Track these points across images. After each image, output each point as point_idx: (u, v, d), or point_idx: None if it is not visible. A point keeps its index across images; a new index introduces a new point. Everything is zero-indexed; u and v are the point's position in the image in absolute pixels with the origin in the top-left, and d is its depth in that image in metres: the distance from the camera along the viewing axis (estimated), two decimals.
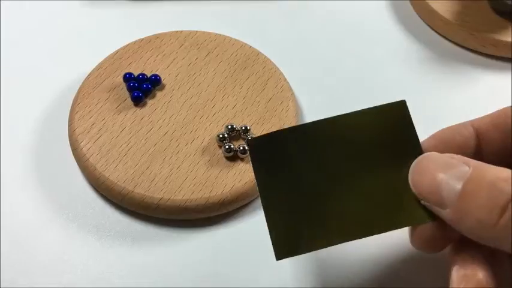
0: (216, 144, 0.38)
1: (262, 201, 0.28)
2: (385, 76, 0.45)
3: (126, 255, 0.35)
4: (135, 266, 0.35)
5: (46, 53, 0.46)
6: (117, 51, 0.43)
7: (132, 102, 0.40)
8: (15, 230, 0.36)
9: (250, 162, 0.29)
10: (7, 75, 0.44)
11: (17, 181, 0.39)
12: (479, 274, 0.25)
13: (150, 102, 0.41)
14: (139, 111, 0.40)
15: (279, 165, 0.28)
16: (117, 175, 0.36)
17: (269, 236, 0.27)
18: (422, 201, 0.27)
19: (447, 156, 0.26)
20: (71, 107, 0.40)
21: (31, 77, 0.45)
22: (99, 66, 0.42)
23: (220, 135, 0.38)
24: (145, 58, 0.43)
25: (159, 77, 0.41)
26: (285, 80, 0.42)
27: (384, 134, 0.29)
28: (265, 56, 0.44)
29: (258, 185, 0.28)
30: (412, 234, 0.28)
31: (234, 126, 0.38)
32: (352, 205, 0.27)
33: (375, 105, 0.29)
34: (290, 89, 0.42)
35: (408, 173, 0.27)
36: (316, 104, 0.43)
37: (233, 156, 0.37)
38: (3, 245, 0.35)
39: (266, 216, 0.27)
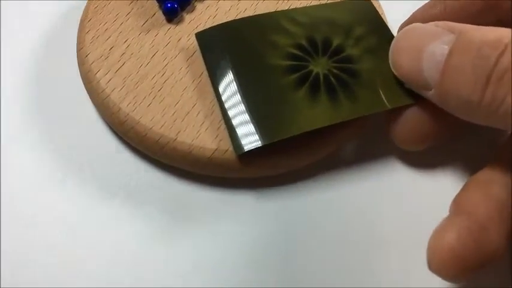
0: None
1: (216, 95, 0.26)
2: None
3: (169, 232, 0.25)
4: (182, 251, 0.25)
5: None
6: None
7: (164, 17, 0.29)
8: (12, 194, 0.26)
9: (201, 56, 0.27)
10: None
11: (13, 130, 0.28)
12: None
13: (188, 17, 0.29)
14: (174, 30, 0.29)
15: (235, 55, 0.26)
16: (151, 117, 0.26)
17: (227, 130, 0.25)
18: (406, 85, 0.25)
19: (430, 24, 0.23)
20: (80, 25, 0.29)
21: None
22: None
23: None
24: None
25: None
26: None
27: (355, 25, 0.28)
28: None
29: (212, 80, 0.26)
30: (397, 124, 0.25)
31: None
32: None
33: None
34: None
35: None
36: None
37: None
38: None
39: (224, 109, 0.25)
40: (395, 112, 0.25)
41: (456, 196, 0.23)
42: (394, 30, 0.28)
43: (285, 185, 0.27)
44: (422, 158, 0.27)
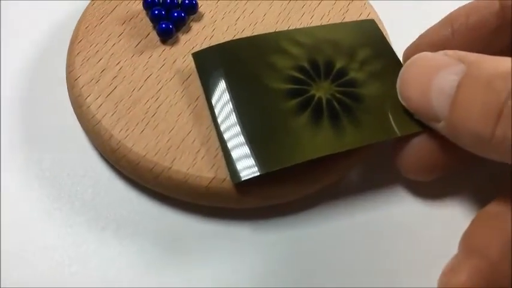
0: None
1: (213, 119, 0.24)
2: None
3: (163, 265, 0.24)
4: (176, 285, 0.23)
5: None
6: None
7: (159, 38, 0.28)
8: None
9: (198, 77, 0.26)
10: None
11: None
12: None
13: (183, 38, 0.28)
14: (169, 51, 0.28)
15: (233, 78, 0.25)
16: (144, 145, 0.24)
17: (224, 157, 0.23)
18: (415, 116, 0.23)
19: (439, 54, 0.22)
20: (70, 46, 0.28)
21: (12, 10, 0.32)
22: None
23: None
24: None
25: (195, 1, 0.28)
26: (370, 5, 0.30)
27: (358, 48, 0.27)
28: None
29: (208, 103, 0.25)
30: (405, 153, 0.24)
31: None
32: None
33: None
34: (378, 17, 0.29)
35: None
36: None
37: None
38: None
39: (221, 135, 0.24)
40: (402, 140, 0.24)
41: (465, 232, 0.22)
42: (397, 51, 0.27)
43: (284, 216, 0.25)
44: (430, 188, 0.26)
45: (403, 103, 0.24)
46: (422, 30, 0.26)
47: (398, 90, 0.24)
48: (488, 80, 0.20)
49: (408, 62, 0.23)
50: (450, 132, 0.21)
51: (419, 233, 0.25)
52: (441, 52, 0.22)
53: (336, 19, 0.29)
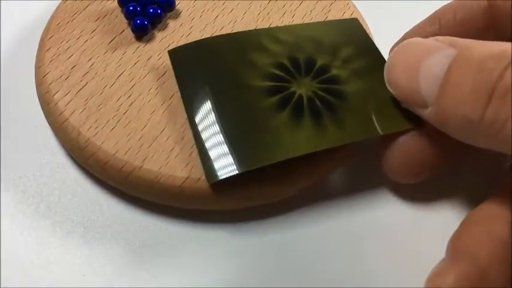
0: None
1: (189, 116, 0.23)
2: None
3: (132, 272, 0.22)
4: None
5: None
6: None
7: (133, 35, 0.27)
8: None
9: (173, 76, 0.24)
10: None
11: None
12: None
13: (159, 35, 0.27)
14: (144, 49, 0.26)
15: (209, 75, 0.24)
16: (114, 142, 0.23)
17: (199, 155, 0.22)
18: (402, 104, 0.22)
19: (430, 39, 0.21)
20: (40, 43, 0.27)
21: None
22: None
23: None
24: None
25: None
26: (353, 5, 0.29)
27: (341, 45, 0.26)
28: None
29: (184, 100, 0.24)
30: (389, 154, 0.23)
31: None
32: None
33: None
34: (361, 16, 0.29)
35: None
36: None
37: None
38: None
39: (197, 133, 0.22)
40: (386, 142, 0.23)
41: (454, 235, 0.21)
42: (382, 51, 0.26)
43: (263, 219, 0.24)
44: (417, 189, 0.25)
45: (390, 89, 0.23)
46: (406, 29, 0.26)
47: (385, 75, 0.23)
48: (480, 61, 0.19)
49: (397, 47, 0.22)
50: (438, 118, 0.20)
51: (405, 236, 0.24)
52: (432, 38, 0.22)
53: (318, 18, 0.28)
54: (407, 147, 0.23)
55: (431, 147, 0.22)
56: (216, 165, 0.21)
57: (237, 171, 0.21)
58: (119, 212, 0.24)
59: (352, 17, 0.28)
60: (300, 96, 0.23)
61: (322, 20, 0.28)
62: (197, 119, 0.23)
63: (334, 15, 0.29)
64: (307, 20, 0.28)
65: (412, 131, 0.22)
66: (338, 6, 0.29)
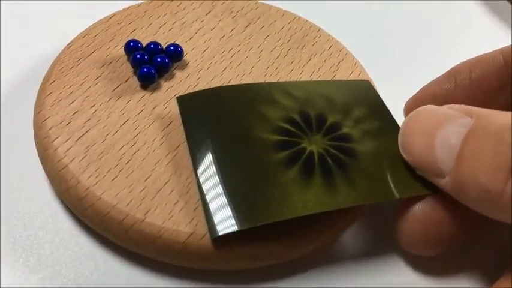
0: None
1: (194, 168, 0.22)
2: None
3: None
4: None
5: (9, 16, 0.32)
6: (113, 15, 0.29)
7: (139, 83, 0.26)
8: None
9: (180, 124, 0.24)
10: None
11: None
12: None
13: (166, 84, 0.26)
14: (149, 98, 0.26)
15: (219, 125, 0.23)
16: (115, 193, 0.22)
17: (203, 209, 0.21)
18: (418, 172, 0.22)
19: (445, 107, 0.21)
20: (41, 87, 0.26)
21: None
22: (86, 33, 0.28)
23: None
24: (156, 26, 0.29)
25: (181, 49, 0.27)
26: (361, 65, 0.29)
27: (353, 105, 0.25)
28: (329, 34, 0.31)
29: (190, 150, 0.23)
30: (405, 224, 0.22)
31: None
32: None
33: None
34: (368, 76, 0.29)
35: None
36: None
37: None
38: None
39: (201, 186, 0.21)
40: (402, 208, 0.22)
41: None
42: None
43: (270, 281, 0.22)
44: (432, 260, 0.23)
45: (405, 157, 0.22)
46: (412, 90, 0.25)
47: (399, 142, 0.22)
48: (498, 132, 0.18)
49: (411, 114, 0.22)
50: (456, 188, 0.20)
51: None
52: (446, 106, 0.21)
53: (326, 76, 0.28)
54: (423, 217, 0.22)
55: (450, 219, 0.21)
56: (218, 219, 0.20)
57: (237, 227, 0.20)
58: (115, 269, 0.22)
59: (360, 76, 0.28)
60: (311, 153, 0.23)
61: (330, 77, 0.28)
62: (201, 170, 0.22)
63: (342, 73, 0.28)
64: (315, 77, 0.28)
65: (431, 201, 0.21)
66: (346, 64, 0.29)
